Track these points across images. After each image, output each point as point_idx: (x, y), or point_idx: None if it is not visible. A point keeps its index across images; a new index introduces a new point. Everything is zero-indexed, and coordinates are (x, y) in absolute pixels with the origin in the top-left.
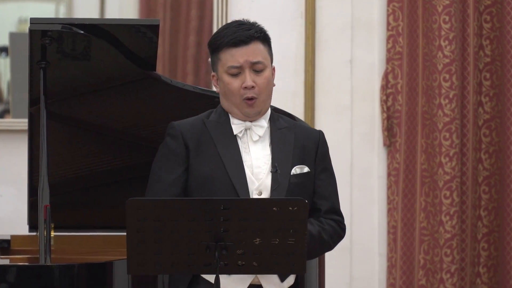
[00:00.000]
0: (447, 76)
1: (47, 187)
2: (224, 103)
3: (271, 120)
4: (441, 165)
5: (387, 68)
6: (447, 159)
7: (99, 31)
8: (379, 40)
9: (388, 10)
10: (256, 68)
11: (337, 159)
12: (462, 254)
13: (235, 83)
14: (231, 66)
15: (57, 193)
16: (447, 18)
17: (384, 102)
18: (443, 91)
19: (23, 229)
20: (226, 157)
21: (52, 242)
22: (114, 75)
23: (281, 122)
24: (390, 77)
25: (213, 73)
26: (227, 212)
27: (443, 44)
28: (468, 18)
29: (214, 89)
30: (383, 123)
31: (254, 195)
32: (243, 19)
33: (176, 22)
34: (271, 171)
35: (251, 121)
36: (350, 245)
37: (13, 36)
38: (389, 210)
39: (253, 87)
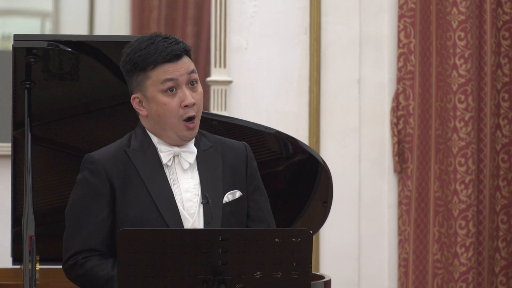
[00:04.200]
0: (463, 97)
1: (32, 217)
2: (154, 127)
3: (195, 142)
4: (456, 192)
5: (398, 89)
6: (463, 186)
7: (88, 49)
8: (389, 58)
9: (399, 26)
10: (192, 78)
11: (343, 187)
12: None
13: (173, 102)
14: (167, 78)
15: (42, 223)
16: (462, 34)
17: (394, 125)
18: (458, 113)
19: (6, 261)
20: (156, 194)
21: (37, 276)
22: (104, 96)
23: (204, 141)
24: (401, 98)
25: (135, 95)
26: (226, 244)
27: (458, 62)
28: (485, 34)
29: (141, 112)
30: (393, 147)
31: None
32: (161, 33)
33: None
34: (202, 203)
35: (179, 146)
36: (358, 279)
37: None
38: (400, 241)
39: (194, 104)
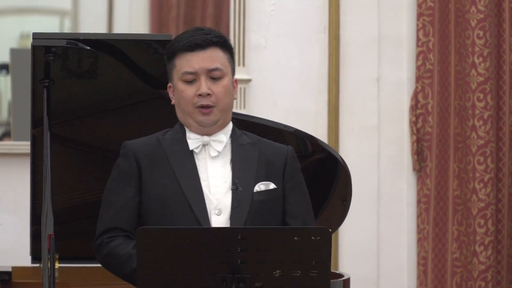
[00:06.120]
0: (481, 96)
1: (51, 215)
2: (179, 115)
3: (233, 136)
4: (475, 191)
5: (416, 87)
6: (482, 185)
7: (107, 47)
8: (408, 57)
9: (417, 25)
10: (213, 75)
11: (362, 185)
12: (498, 287)
13: (189, 90)
14: (186, 71)
15: (62, 222)
16: (481, 33)
17: (413, 123)
18: (477, 111)
19: (25, 260)
20: (182, 175)
21: (56, 275)
22: (123, 95)
23: (244, 138)
24: (420, 96)
25: (169, 84)
26: (245, 242)
27: (477, 61)
28: (504, 33)
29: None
30: (412, 146)
31: (212, 214)
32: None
33: None
34: (231, 189)
35: (209, 136)
36: (377, 278)
37: (14, 52)
38: (419, 240)
39: (208, 94)
